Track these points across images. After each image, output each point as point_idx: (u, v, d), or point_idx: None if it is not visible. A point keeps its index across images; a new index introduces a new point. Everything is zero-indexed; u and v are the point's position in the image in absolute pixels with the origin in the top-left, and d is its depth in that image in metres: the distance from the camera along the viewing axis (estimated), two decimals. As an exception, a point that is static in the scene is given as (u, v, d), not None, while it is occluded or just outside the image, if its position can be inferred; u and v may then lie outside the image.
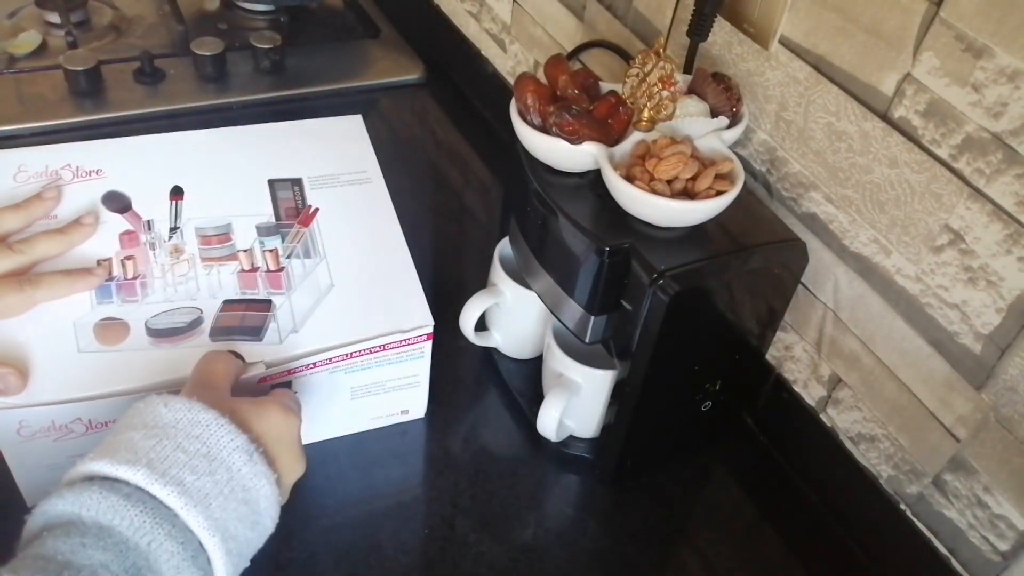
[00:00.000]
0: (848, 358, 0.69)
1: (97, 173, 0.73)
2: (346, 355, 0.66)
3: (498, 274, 0.77)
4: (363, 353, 0.67)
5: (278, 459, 0.52)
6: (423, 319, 0.68)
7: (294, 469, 0.55)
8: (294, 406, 0.57)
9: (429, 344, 0.69)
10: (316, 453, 0.72)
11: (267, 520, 0.51)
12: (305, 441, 0.71)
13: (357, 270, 0.71)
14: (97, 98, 1.02)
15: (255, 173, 0.77)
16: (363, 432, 0.74)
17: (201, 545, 0.46)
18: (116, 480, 0.46)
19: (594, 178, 0.64)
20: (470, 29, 1.16)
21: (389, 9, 1.30)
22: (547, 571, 0.67)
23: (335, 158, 0.79)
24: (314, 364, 0.65)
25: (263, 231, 0.71)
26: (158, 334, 0.63)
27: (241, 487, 0.48)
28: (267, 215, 0.72)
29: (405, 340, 0.67)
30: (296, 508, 0.68)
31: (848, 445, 0.71)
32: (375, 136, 0.83)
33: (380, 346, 0.67)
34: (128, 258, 0.67)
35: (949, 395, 0.61)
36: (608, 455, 0.72)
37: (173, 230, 0.68)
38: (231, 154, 0.78)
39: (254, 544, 0.50)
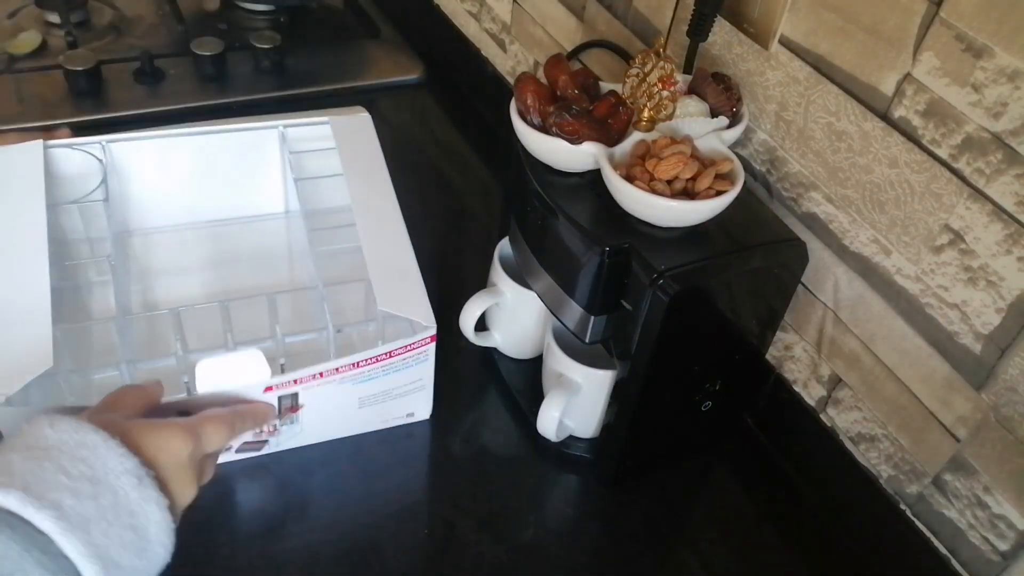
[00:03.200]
0: (848, 358, 0.69)
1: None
2: (353, 364, 0.66)
3: (498, 274, 0.77)
4: (370, 362, 0.67)
5: (170, 482, 0.49)
6: (426, 322, 0.68)
7: (185, 494, 0.51)
8: (201, 427, 0.53)
9: (433, 347, 0.69)
10: (317, 454, 0.72)
11: (158, 547, 0.47)
12: (310, 441, 0.70)
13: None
14: (97, 98, 1.02)
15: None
16: (364, 433, 0.74)
17: (75, 571, 0.42)
18: None
19: (594, 178, 0.64)
20: (470, 29, 1.16)
21: (389, 9, 1.30)
22: (547, 571, 0.67)
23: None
24: (321, 374, 0.65)
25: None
26: None
27: (128, 512, 0.45)
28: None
29: (410, 346, 0.68)
30: (296, 508, 0.69)
31: (848, 445, 0.71)
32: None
33: (386, 354, 0.67)
34: None
35: (949, 395, 0.61)
36: (608, 455, 0.72)
37: None
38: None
39: (144, 573, 0.47)
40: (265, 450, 0.71)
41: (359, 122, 0.82)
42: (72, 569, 0.42)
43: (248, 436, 0.68)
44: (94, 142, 0.76)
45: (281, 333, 0.74)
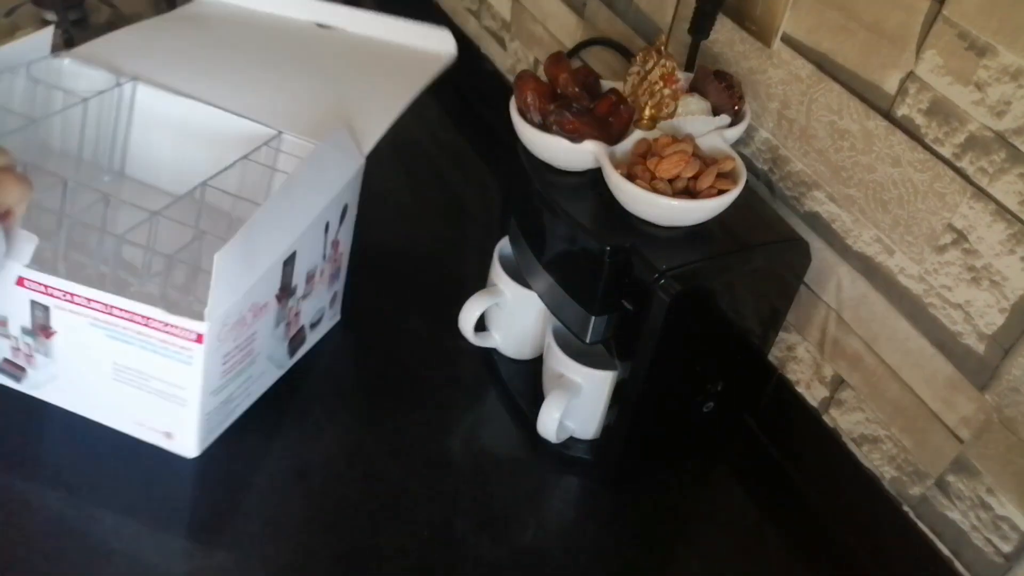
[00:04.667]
0: (851, 359, 0.69)
1: None
2: (105, 307, 0.62)
3: (498, 274, 0.77)
4: (125, 316, 0.62)
5: None
6: (200, 317, 0.61)
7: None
8: None
9: (200, 350, 0.62)
10: (317, 448, 0.72)
11: None
12: (67, 405, 0.70)
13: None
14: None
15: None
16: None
17: None
18: None
19: (595, 177, 0.64)
20: (470, 27, 1.16)
21: (389, 9, 1.29)
22: (547, 573, 0.67)
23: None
24: (72, 296, 0.62)
25: None
26: None
27: None
28: None
29: (170, 327, 0.61)
30: (294, 509, 0.68)
31: (851, 446, 0.71)
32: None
33: (144, 318, 0.62)
34: None
35: (952, 396, 0.61)
36: (609, 456, 0.72)
37: None
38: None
39: None
40: (24, 384, 0.69)
41: (349, 157, 0.75)
42: None
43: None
44: (126, 80, 0.79)
45: (66, 226, 0.69)
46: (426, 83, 0.87)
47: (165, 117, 0.81)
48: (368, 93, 0.85)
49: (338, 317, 0.82)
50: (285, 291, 0.70)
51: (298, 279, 0.71)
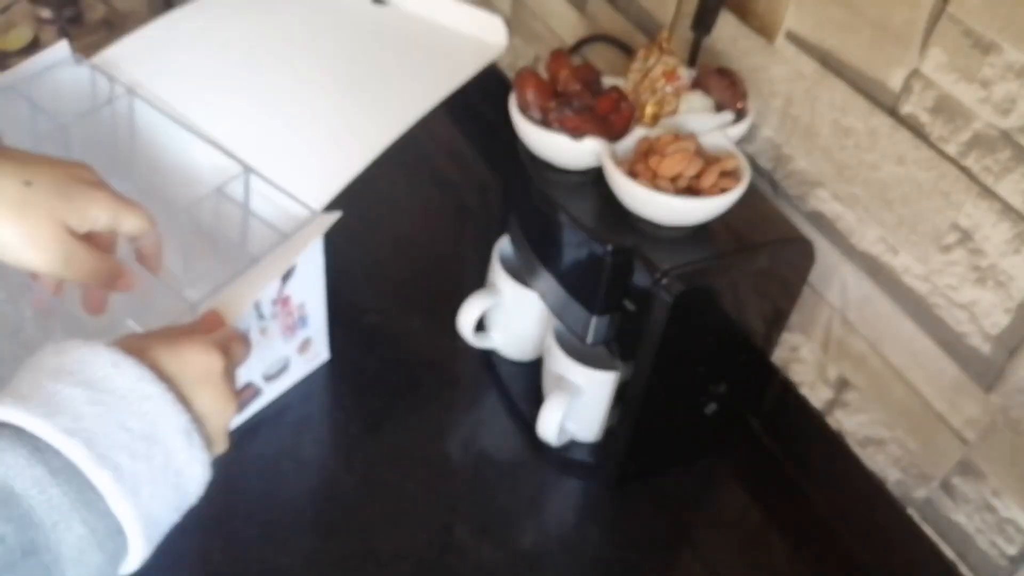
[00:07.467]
0: (855, 359, 0.68)
1: None
2: None
3: (498, 274, 0.76)
4: None
5: (194, 400, 0.48)
6: None
7: (220, 411, 0.50)
8: (224, 341, 0.52)
9: None
10: (315, 450, 0.71)
11: (192, 500, 0.48)
12: None
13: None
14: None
15: None
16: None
17: (119, 529, 0.43)
18: (38, 439, 0.41)
19: (596, 175, 0.63)
20: (469, 25, 1.16)
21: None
22: (548, 577, 0.67)
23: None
24: None
25: None
26: None
27: (175, 472, 0.46)
28: None
29: None
30: (292, 512, 0.68)
31: (855, 448, 0.71)
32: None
33: None
34: None
35: (958, 397, 0.61)
36: (610, 459, 0.72)
37: None
38: None
39: (171, 524, 0.47)
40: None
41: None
42: (113, 525, 0.43)
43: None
44: (122, 93, 0.76)
45: None
46: (452, 89, 0.82)
47: (155, 133, 0.76)
48: (380, 102, 0.81)
49: (322, 359, 0.78)
50: None
51: None
